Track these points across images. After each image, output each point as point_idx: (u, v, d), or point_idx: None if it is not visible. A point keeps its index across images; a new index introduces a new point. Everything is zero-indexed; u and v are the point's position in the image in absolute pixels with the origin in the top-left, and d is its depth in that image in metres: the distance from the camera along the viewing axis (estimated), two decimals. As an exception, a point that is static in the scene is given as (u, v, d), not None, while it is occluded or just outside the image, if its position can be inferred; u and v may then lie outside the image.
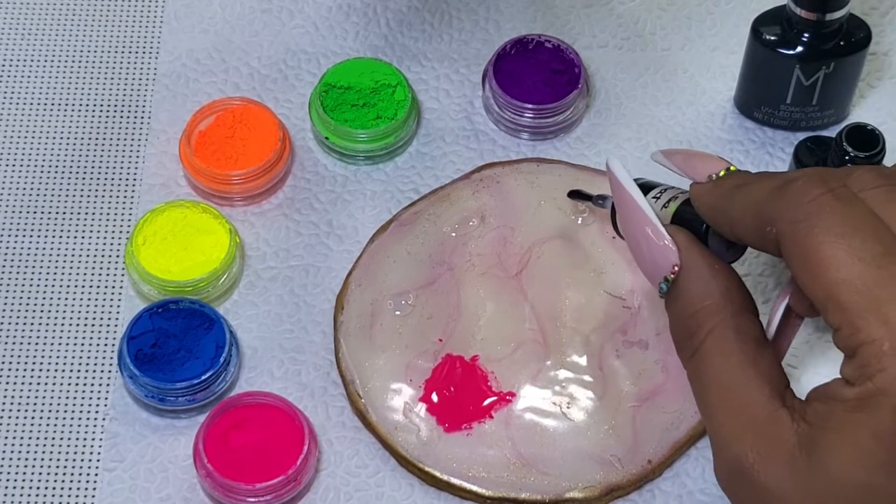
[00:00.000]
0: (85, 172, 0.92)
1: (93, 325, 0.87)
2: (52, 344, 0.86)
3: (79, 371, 0.85)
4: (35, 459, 0.83)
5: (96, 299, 0.87)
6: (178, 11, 0.98)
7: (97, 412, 0.84)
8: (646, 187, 0.75)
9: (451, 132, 0.93)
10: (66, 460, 0.83)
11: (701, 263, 0.68)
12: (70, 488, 0.82)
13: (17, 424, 0.84)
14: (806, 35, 0.88)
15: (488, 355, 0.85)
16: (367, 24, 0.97)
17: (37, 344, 0.86)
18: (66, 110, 0.94)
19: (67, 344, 0.86)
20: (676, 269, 0.68)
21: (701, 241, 0.70)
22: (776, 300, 0.71)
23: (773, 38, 0.89)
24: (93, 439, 0.83)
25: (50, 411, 0.84)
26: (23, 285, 0.88)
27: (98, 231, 0.90)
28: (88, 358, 0.86)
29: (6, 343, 0.86)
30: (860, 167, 0.67)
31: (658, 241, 0.69)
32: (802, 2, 0.87)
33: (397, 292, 0.87)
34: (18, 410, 0.84)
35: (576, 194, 0.87)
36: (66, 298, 0.87)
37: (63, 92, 0.95)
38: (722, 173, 0.71)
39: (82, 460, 0.83)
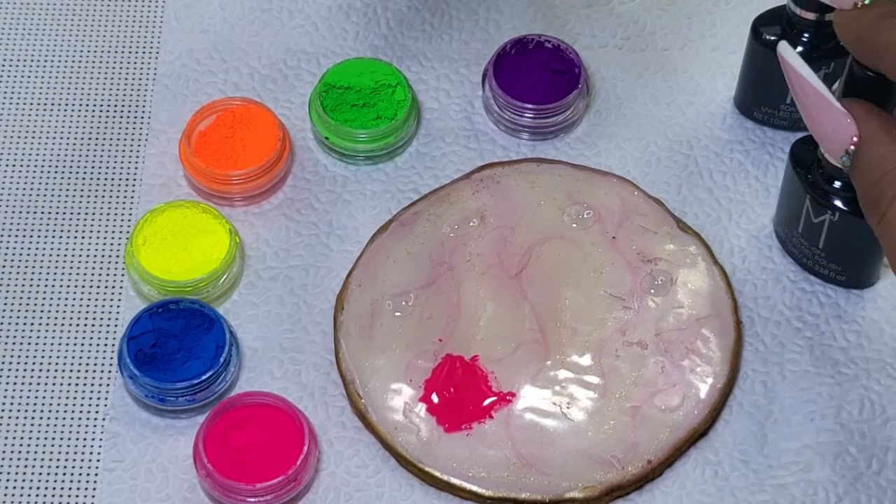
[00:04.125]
0: (85, 172, 0.92)
1: (93, 325, 0.87)
2: (52, 344, 0.86)
3: (79, 371, 0.85)
4: (35, 459, 0.83)
5: (96, 299, 0.87)
6: (178, 11, 0.98)
7: (97, 412, 0.84)
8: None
9: (451, 132, 0.93)
10: (66, 460, 0.83)
11: (879, 131, 0.69)
12: (70, 488, 0.82)
13: (17, 424, 0.84)
14: (806, 35, 0.88)
15: (488, 355, 0.85)
16: (367, 24, 0.97)
17: (37, 344, 0.86)
18: (66, 110, 0.94)
19: (67, 344, 0.86)
20: (856, 140, 0.69)
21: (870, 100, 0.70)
22: None
23: (773, 38, 0.89)
24: (93, 439, 0.83)
25: (50, 411, 0.84)
26: (23, 285, 0.88)
27: (98, 231, 0.90)
28: (88, 358, 0.86)
29: (6, 343, 0.86)
30: None
31: (835, 117, 0.70)
32: (802, 2, 0.87)
33: (397, 292, 0.87)
34: (18, 410, 0.84)
35: None
36: (66, 298, 0.87)
37: (63, 92, 0.95)
38: (867, 0, 0.71)
39: (82, 460, 0.83)
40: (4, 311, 0.87)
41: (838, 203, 0.83)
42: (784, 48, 0.73)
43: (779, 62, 0.89)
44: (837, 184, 0.83)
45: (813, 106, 0.72)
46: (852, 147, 0.70)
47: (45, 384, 0.85)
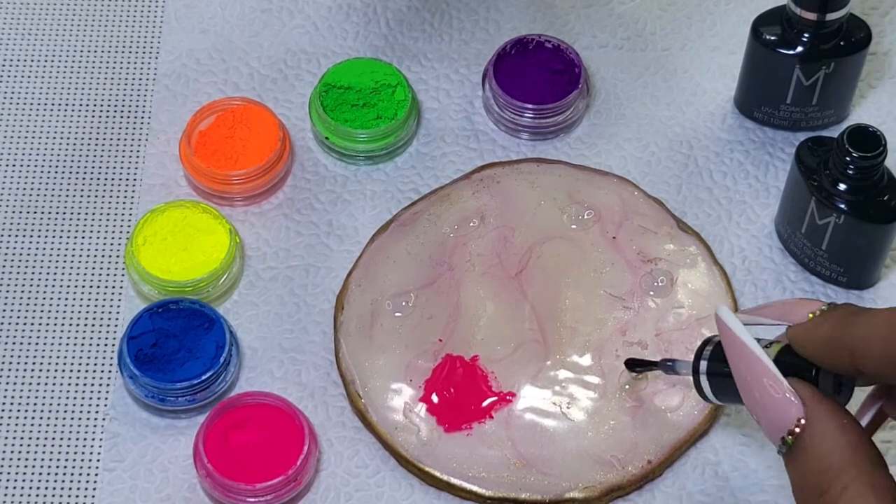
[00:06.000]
0: (85, 172, 0.92)
1: (93, 325, 0.87)
2: (52, 344, 0.86)
3: (79, 371, 0.85)
4: (35, 459, 0.83)
5: (96, 299, 0.87)
6: (178, 11, 0.98)
7: (97, 412, 0.84)
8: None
9: (451, 132, 0.93)
10: (66, 460, 0.83)
11: (828, 417, 0.64)
12: (70, 488, 0.82)
13: (17, 424, 0.84)
14: (806, 35, 0.88)
15: (488, 355, 0.85)
16: (367, 24, 0.97)
17: (37, 344, 0.86)
18: (66, 110, 0.94)
19: (67, 344, 0.86)
20: (802, 422, 0.64)
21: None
22: (869, 398, 0.68)
23: (773, 38, 0.89)
24: (93, 439, 0.83)
25: (50, 411, 0.84)
26: (23, 285, 0.88)
27: (98, 231, 0.90)
28: (88, 358, 0.86)
29: (6, 343, 0.86)
30: None
31: (779, 395, 0.65)
32: (802, 2, 0.87)
33: (397, 292, 0.87)
34: (18, 410, 0.84)
35: (634, 363, 0.82)
36: (66, 298, 0.87)
37: (63, 92, 0.95)
38: (824, 307, 0.67)
39: (82, 460, 0.83)
40: (4, 311, 0.87)
41: (843, 206, 0.83)
42: (724, 312, 0.68)
43: (778, 67, 0.89)
44: (843, 186, 0.83)
45: (755, 379, 0.66)
46: (796, 429, 0.64)
47: (45, 384, 0.85)
